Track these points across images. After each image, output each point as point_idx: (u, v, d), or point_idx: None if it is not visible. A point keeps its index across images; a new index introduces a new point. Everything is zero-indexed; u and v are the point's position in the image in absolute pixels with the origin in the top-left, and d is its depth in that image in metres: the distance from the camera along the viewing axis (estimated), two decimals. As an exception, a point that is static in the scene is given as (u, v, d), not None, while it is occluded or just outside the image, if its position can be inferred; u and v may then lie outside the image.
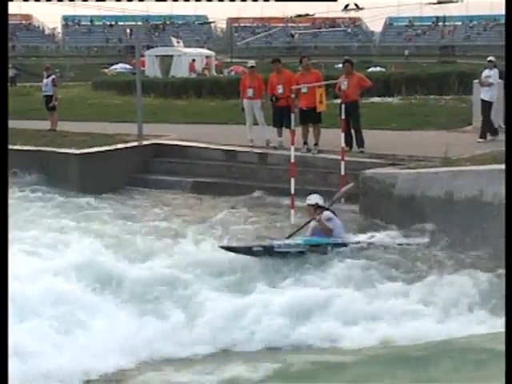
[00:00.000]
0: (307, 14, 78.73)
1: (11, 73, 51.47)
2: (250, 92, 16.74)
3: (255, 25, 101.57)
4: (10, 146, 17.22)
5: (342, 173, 13.45)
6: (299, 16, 78.75)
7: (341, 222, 10.99)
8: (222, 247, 10.26)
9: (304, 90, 15.03)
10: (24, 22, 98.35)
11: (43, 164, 16.82)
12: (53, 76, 21.45)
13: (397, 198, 11.98)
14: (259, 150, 16.33)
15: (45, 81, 21.44)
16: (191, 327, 8.37)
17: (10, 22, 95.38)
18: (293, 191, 12.55)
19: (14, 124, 22.05)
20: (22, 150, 17.42)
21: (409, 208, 11.61)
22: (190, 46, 58.75)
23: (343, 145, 13.94)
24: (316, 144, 15.54)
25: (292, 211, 12.53)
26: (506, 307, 6.16)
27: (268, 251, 10.21)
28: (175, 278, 9.49)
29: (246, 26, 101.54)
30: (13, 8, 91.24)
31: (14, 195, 14.73)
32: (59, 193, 15.50)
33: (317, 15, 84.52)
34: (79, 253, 9.96)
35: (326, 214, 10.81)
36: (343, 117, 14.08)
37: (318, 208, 10.87)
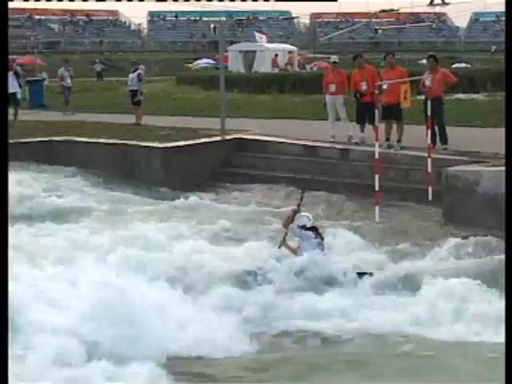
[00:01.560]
0: (392, 10, 77.85)
1: (98, 67, 52.70)
2: (332, 87, 16.70)
3: (338, 20, 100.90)
4: (95, 140, 17.93)
5: (429, 170, 13.25)
6: (383, 11, 77.96)
7: (315, 245, 9.99)
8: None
9: (384, 87, 14.90)
10: (111, 17, 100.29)
11: (128, 157, 17.15)
12: (139, 71, 21.82)
13: (481, 196, 11.80)
14: (341, 146, 16.26)
15: (131, 75, 21.84)
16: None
17: (97, 17, 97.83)
18: (377, 188, 12.47)
19: (100, 118, 22.74)
20: (107, 144, 17.81)
21: (493, 206, 11.40)
22: (273, 42, 58.84)
23: (429, 141, 13.76)
24: (399, 140, 15.40)
25: (377, 208, 12.45)
26: (506, 307, 6.15)
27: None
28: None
29: (329, 22, 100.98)
30: (100, 4, 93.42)
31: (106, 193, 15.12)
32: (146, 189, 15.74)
33: (401, 10, 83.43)
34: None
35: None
36: (429, 113, 13.93)
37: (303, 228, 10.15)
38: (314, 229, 10.18)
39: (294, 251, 10.05)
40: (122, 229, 11.70)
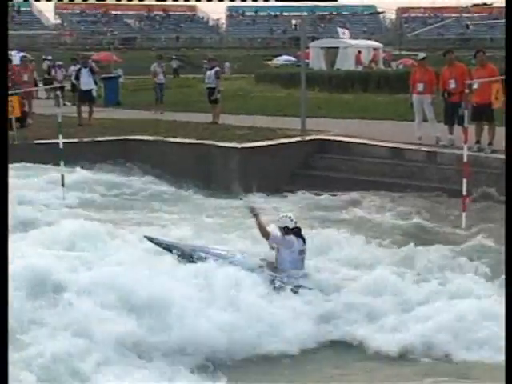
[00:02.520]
0: (484, 4, 76.58)
1: (175, 64, 53.34)
2: (419, 86, 16.52)
3: (426, 15, 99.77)
4: (171, 139, 18.16)
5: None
6: (475, 5, 76.73)
7: (297, 254, 9.65)
8: (146, 237, 10.20)
9: (475, 86, 14.65)
10: (188, 13, 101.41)
11: (204, 158, 17.29)
12: (216, 68, 22.00)
13: None
14: (428, 148, 16.06)
15: (208, 73, 22.03)
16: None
17: (174, 12, 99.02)
18: (464, 192, 12.29)
19: (177, 116, 23.01)
20: (183, 143, 18.01)
21: None
22: (356, 38, 58.55)
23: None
24: (490, 143, 15.12)
25: (464, 214, 12.27)
26: (506, 308, 6.19)
27: (186, 257, 9.77)
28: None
29: (416, 17, 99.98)
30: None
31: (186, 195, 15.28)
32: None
33: (495, 4, 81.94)
34: None
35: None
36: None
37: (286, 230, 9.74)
38: (297, 230, 9.77)
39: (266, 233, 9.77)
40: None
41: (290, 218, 9.83)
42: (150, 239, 10.19)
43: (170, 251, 9.90)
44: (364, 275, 9.33)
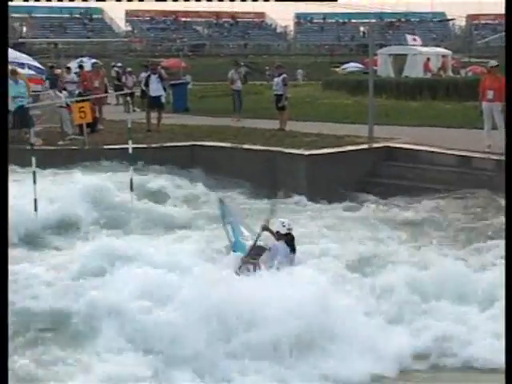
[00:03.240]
0: (557, 10, 74.91)
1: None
2: (489, 94, 16.29)
3: (497, 22, 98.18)
4: (238, 145, 18.23)
5: None
6: (547, 12, 75.05)
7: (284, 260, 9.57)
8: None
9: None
10: (257, 20, 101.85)
11: (271, 164, 17.31)
12: (284, 75, 22.01)
13: None
14: (497, 157, 15.79)
15: (275, 80, 22.06)
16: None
17: (243, 19, 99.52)
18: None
19: (244, 123, 23.10)
20: (250, 149, 18.07)
21: None
22: (425, 45, 57.96)
23: None
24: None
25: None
26: (506, 308, 6.27)
27: None
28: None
29: (486, 24, 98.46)
30: (246, 6, 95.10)
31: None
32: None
33: None
34: None
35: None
36: None
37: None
38: (288, 236, 9.79)
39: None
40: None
41: (282, 223, 9.86)
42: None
43: None
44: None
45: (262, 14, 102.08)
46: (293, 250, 9.78)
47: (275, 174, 17.08)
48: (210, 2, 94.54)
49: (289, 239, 9.77)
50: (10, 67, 22.64)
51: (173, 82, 31.11)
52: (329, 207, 15.05)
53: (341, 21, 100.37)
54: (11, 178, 16.22)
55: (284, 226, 9.78)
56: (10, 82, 20.85)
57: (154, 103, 22.62)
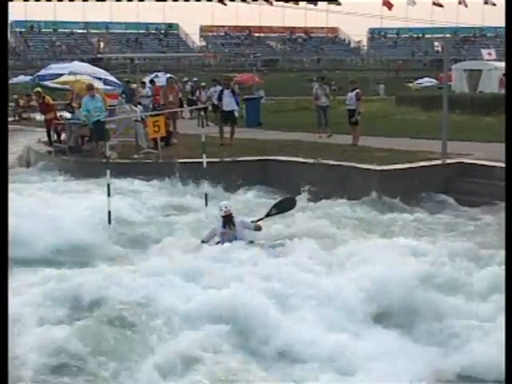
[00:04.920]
0: None
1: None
2: None
3: None
4: (310, 160, 18.20)
5: None
6: None
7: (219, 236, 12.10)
8: None
9: None
10: (330, 35, 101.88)
11: (343, 179, 17.24)
12: (357, 90, 21.93)
13: None
14: None
15: (349, 94, 22.00)
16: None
17: (316, 34, 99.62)
18: None
19: (317, 138, 23.08)
20: (322, 164, 18.03)
21: None
22: (501, 60, 57.02)
23: None
24: None
25: None
26: (506, 308, 6.27)
27: None
28: None
29: None
30: (320, 21, 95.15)
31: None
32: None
33: None
34: None
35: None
36: None
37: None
38: (226, 218, 11.92)
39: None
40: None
41: (220, 207, 12.13)
42: None
43: None
44: None
45: (335, 29, 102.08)
46: (228, 226, 11.96)
47: (348, 188, 16.98)
48: (283, 18, 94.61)
49: (226, 220, 11.92)
50: (86, 82, 23.17)
51: (246, 97, 31.27)
52: (400, 222, 14.87)
53: (415, 36, 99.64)
54: (86, 189, 16.67)
55: (221, 210, 12.01)
56: (87, 96, 21.33)
57: (227, 117, 22.78)
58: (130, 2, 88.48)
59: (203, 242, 12.18)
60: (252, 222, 12.55)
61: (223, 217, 11.95)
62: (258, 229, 12.37)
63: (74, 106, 23.95)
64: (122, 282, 9.93)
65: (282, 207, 13.33)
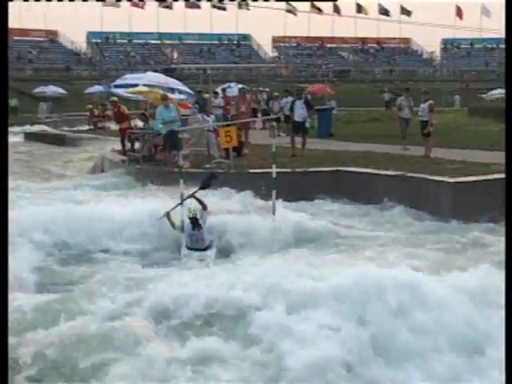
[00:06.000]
0: None
1: (387, 97, 53.19)
2: None
3: None
4: (382, 171, 18.07)
5: None
6: None
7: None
8: None
9: None
10: (402, 45, 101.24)
11: (414, 191, 17.06)
12: (430, 101, 21.69)
13: None
14: None
15: (421, 106, 21.78)
16: None
17: (388, 45, 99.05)
18: None
19: (388, 149, 22.90)
20: (393, 176, 17.87)
21: None
22: None
23: None
24: None
25: None
26: (506, 309, 6.36)
27: None
28: None
29: None
30: (393, 31, 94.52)
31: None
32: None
33: None
34: None
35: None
36: None
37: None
38: (192, 220, 13.36)
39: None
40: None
41: (188, 211, 13.54)
42: None
43: None
44: None
45: (407, 40, 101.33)
46: (196, 228, 13.40)
47: (419, 200, 16.81)
48: (356, 28, 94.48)
49: (193, 222, 13.34)
50: (160, 92, 23.45)
51: (318, 108, 31.23)
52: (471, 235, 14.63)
53: (489, 46, 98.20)
54: (159, 197, 16.85)
55: (190, 213, 13.45)
56: (162, 106, 21.61)
57: (299, 128, 22.78)
58: (204, 13, 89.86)
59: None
60: (200, 210, 13.74)
61: (190, 218, 13.36)
62: (205, 209, 13.83)
63: (147, 115, 24.26)
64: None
65: (207, 183, 14.66)
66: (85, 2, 73.68)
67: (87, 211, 14.93)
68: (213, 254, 13.25)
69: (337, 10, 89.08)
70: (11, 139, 34.27)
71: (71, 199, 17.19)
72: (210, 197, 15.82)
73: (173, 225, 13.92)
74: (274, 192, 15.38)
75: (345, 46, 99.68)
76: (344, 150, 23.13)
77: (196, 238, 13.40)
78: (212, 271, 11.22)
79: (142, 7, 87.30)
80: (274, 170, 15.63)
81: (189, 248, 13.37)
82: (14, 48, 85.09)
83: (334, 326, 8.50)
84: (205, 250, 13.36)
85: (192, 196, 14.05)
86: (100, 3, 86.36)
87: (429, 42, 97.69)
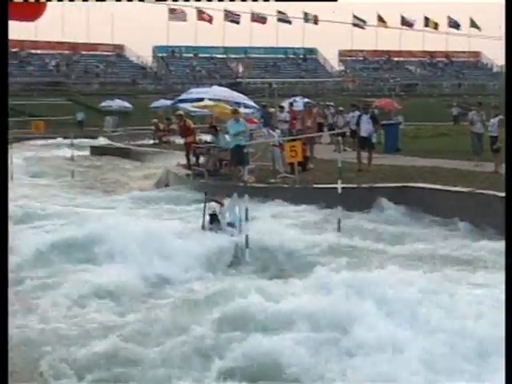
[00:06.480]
0: None
1: (455, 111, 52.68)
2: None
3: None
4: (450, 188, 17.85)
5: None
6: None
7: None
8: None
9: None
10: (472, 59, 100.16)
11: (483, 208, 16.81)
12: (500, 116, 21.41)
13: None
14: None
15: (491, 121, 21.51)
16: None
17: (458, 59, 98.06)
18: None
19: (456, 164, 22.64)
20: (462, 192, 17.65)
21: None
22: None
23: None
24: None
25: None
26: (506, 309, 6.31)
27: None
28: None
29: None
30: (462, 45, 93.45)
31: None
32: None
33: None
34: None
35: None
36: None
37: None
38: (212, 216, 14.95)
39: None
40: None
41: (209, 207, 15.08)
42: None
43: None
44: None
45: (477, 54, 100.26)
46: (213, 223, 14.93)
47: (488, 218, 16.56)
48: (423, 42, 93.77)
49: (213, 217, 14.90)
50: (227, 106, 23.64)
51: (384, 122, 31.10)
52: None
53: None
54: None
55: (210, 209, 15.02)
56: (232, 120, 21.77)
57: (365, 143, 22.71)
58: (269, 27, 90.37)
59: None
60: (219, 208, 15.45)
61: (210, 215, 14.95)
62: (222, 206, 15.53)
63: (217, 128, 24.35)
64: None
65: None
66: (151, 17, 74.83)
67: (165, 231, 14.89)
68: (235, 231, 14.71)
69: (404, 23, 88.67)
70: (76, 153, 35.06)
71: (144, 215, 17.38)
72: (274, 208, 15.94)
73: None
74: (339, 208, 15.37)
75: (412, 59, 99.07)
76: (411, 166, 22.95)
77: (215, 231, 14.72)
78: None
79: (209, 21, 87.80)
80: (340, 185, 15.63)
81: None
82: (81, 62, 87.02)
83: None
84: None
85: (213, 200, 15.54)
86: (166, 17, 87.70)
87: (500, 56, 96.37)
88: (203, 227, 15.01)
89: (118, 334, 9.36)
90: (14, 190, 22.63)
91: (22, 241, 14.12)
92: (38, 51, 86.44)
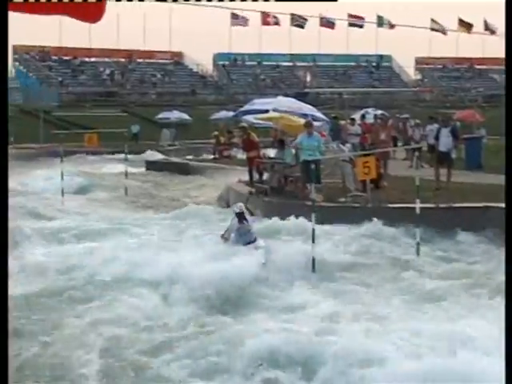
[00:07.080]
0: None
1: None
2: None
3: None
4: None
5: None
6: None
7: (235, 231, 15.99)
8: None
9: None
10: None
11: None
12: None
13: None
14: None
15: None
16: None
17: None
18: None
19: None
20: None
21: None
22: None
23: None
24: None
25: None
26: (506, 310, 6.61)
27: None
28: None
29: None
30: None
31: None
32: None
33: None
34: None
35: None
36: None
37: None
38: (239, 214, 15.78)
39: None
40: None
41: (235, 206, 16.53)
42: None
43: None
44: None
45: None
46: (241, 221, 15.82)
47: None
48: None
49: (240, 216, 15.80)
50: (303, 120, 23.41)
51: (466, 136, 30.78)
52: None
53: None
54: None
55: (237, 208, 16.11)
56: (305, 134, 21.61)
57: (444, 159, 22.51)
58: (339, 32, 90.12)
59: (223, 236, 16.24)
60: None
61: (237, 213, 15.78)
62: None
63: (285, 142, 24.24)
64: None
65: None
66: (212, 22, 75.34)
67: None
68: (263, 243, 15.60)
69: (488, 28, 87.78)
70: (130, 169, 35.28)
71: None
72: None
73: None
74: (417, 231, 15.26)
75: (497, 67, 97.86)
76: (494, 184, 22.66)
77: (244, 230, 15.76)
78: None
79: (277, 24, 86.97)
80: (418, 205, 15.52)
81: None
82: (137, 71, 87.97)
83: None
84: (254, 241, 15.68)
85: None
86: (228, 22, 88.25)
87: None
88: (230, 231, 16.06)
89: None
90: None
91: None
92: (92, 59, 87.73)
